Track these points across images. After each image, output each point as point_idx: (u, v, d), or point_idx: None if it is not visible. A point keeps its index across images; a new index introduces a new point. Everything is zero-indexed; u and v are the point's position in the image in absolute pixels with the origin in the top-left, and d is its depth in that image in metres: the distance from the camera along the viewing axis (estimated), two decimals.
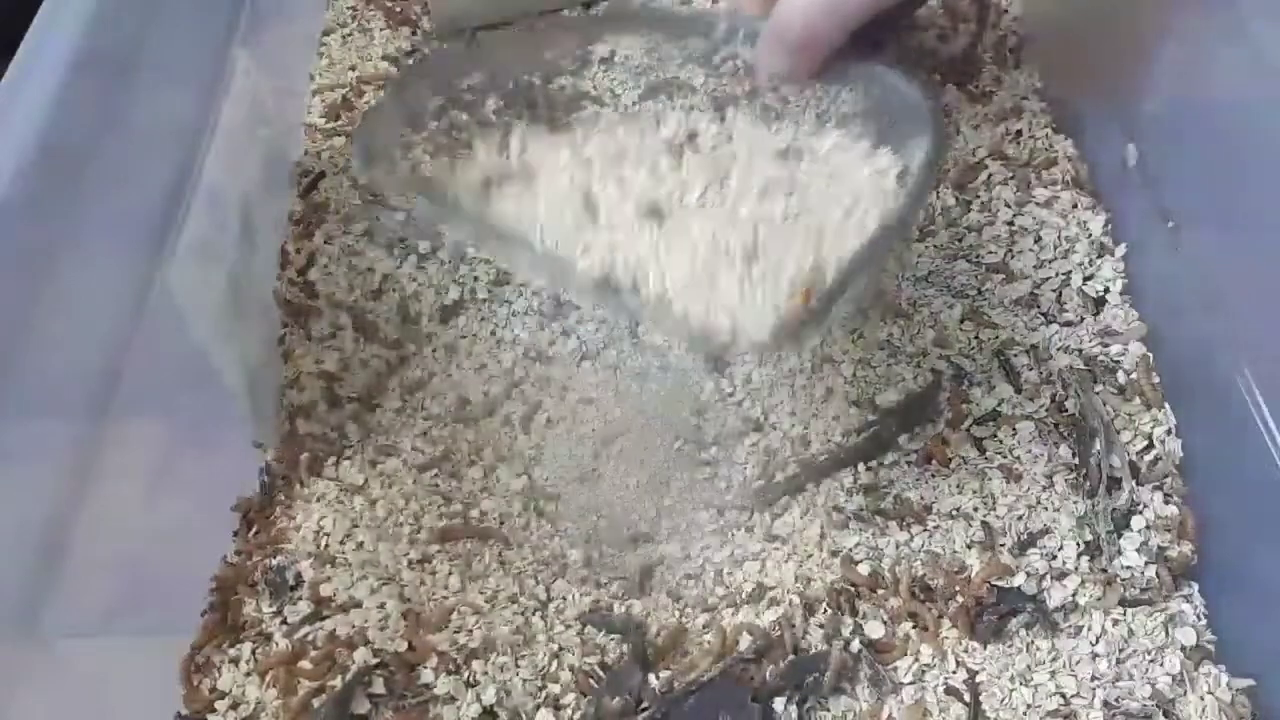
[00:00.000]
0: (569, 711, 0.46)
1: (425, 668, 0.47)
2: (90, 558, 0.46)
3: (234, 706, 0.47)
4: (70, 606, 0.44)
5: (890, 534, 0.49)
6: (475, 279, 0.61)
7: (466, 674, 0.47)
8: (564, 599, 0.51)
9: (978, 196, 0.60)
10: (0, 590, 0.42)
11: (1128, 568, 0.47)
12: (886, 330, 0.55)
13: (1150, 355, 0.52)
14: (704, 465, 0.55)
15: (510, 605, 0.50)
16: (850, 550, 0.49)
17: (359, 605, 0.48)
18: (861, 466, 0.52)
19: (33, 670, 0.43)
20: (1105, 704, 0.43)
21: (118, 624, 0.48)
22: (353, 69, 0.73)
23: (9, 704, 0.42)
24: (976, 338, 0.55)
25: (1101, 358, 0.53)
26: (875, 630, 0.46)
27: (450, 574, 0.51)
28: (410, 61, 0.73)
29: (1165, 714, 0.43)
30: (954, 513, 0.49)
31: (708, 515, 0.53)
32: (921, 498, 0.50)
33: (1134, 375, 0.52)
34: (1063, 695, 0.44)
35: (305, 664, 0.47)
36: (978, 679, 0.45)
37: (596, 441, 0.56)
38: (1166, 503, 0.48)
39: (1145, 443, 0.50)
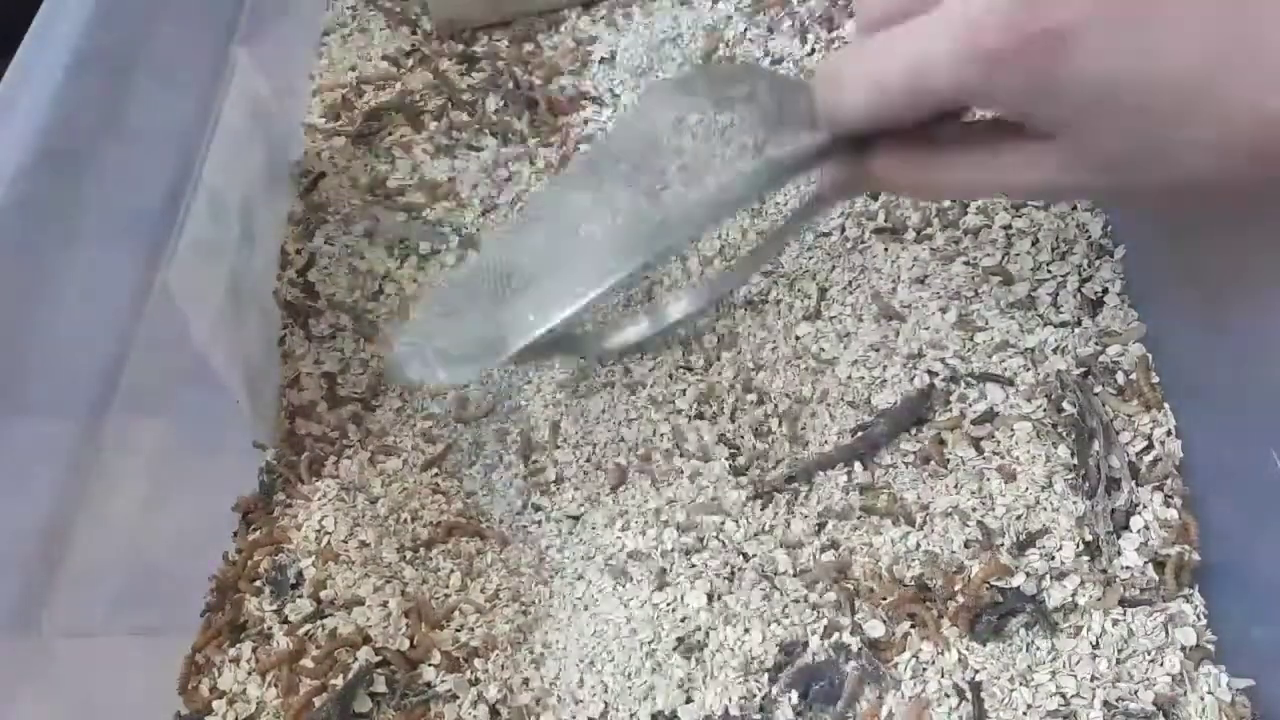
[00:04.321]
0: None
1: (427, 665, 0.47)
2: (90, 558, 0.46)
3: (234, 706, 0.47)
4: (70, 606, 0.44)
5: (886, 533, 0.49)
6: None
7: (469, 672, 0.47)
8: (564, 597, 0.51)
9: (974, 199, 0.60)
10: (0, 590, 0.42)
11: (1127, 568, 0.47)
12: (881, 332, 0.55)
13: (1150, 356, 0.52)
14: (702, 464, 0.55)
15: (512, 603, 0.50)
16: (847, 549, 0.49)
17: (361, 603, 0.48)
18: (858, 466, 0.52)
19: (33, 670, 0.43)
20: (1105, 704, 0.43)
21: (118, 624, 0.48)
22: (353, 69, 0.73)
23: (9, 704, 0.42)
24: (972, 339, 0.54)
25: (1101, 359, 0.53)
26: (875, 629, 0.46)
27: (452, 572, 0.51)
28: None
29: (1165, 714, 0.43)
30: (952, 513, 0.49)
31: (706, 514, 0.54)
32: (919, 497, 0.50)
33: (1133, 376, 0.52)
34: (1063, 695, 0.44)
35: (307, 662, 0.47)
36: (978, 678, 0.45)
37: (596, 440, 0.56)
38: (1166, 504, 0.48)
39: (1145, 443, 0.50)
